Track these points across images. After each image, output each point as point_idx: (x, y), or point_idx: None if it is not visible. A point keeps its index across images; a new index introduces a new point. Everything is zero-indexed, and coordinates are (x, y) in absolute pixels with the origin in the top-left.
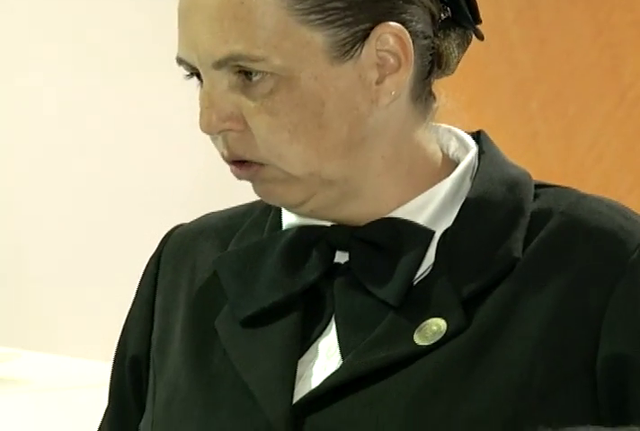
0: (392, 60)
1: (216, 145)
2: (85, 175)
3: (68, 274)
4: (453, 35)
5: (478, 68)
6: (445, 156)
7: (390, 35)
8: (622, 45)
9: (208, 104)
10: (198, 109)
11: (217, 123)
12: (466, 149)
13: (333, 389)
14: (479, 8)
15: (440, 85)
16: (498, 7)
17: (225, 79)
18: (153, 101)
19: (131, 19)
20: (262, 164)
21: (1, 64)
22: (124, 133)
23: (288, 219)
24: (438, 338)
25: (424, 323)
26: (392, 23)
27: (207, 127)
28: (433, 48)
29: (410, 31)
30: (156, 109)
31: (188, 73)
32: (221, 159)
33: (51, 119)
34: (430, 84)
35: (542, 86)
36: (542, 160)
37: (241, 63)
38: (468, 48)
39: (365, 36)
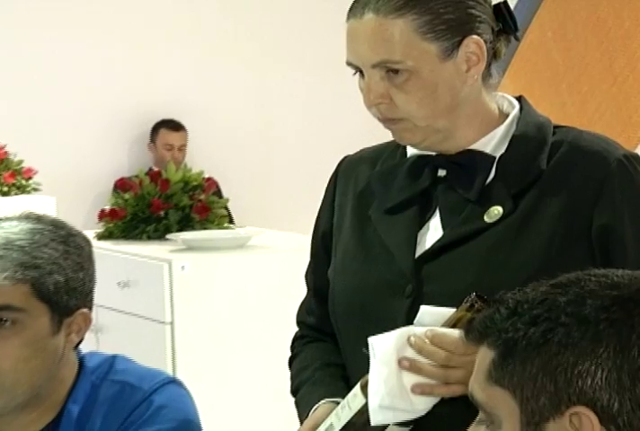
0: (474, 58)
1: (370, 111)
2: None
3: (292, 184)
4: (502, 38)
5: (530, 64)
6: (500, 111)
7: (473, 43)
8: (615, 50)
9: (368, 89)
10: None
11: (373, 100)
12: (513, 107)
13: (439, 249)
14: (531, 31)
15: (510, 75)
16: (542, 28)
17: (377, 74)
18: (338, 85)
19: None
20: (401, 119)
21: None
22: (327, 104)
23: (411, 151)
24: (497, 217)
25: (490, 209)
26: (474, 36)
27: (368, 102)
28: (493, 48)
29: (483, 40)
30: (340, 90)
31: (355, 71)
32: (373, 119)
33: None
34: (490, 69)
35: (568, 74)
36: (568, 119)
37: (387, 65)
38: (526, 55)
39: (458, 44)
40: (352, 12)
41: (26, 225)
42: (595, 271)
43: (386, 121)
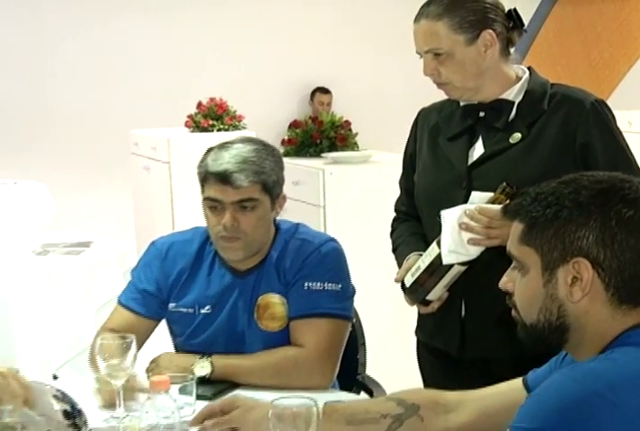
0: (488, 43)
1: (429, 76)
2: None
3: (395, 122)
4: (515, 32)
5: (538, 54)
6: (517, 76)
7: (487, 34)
8: (591, 45)
9: (424, 66)
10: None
11: (428, 72)
12: (525, 72)
13: (481, 160)
14: (541, 34)
15: (527, 61)
16: (547, 33)
17: (429, 56)
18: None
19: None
20: (445, 83)
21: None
22: (411, 75)
23: (461, 102)
24: (517, 140)
25: (512, 135)
26: (488, 30)
27: (425, 73)
28: (507, 37)
29: (495, 32)
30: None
31: (419, 56)
32: (431, 83)
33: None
34: (508, 49)
35: (562, 60)
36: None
37: (433, 50)
38: (537, 49)
39: (478, 35)
40: (415, 19)
41: (249, 147)
42: (586, 173)
43: (438, 85)
